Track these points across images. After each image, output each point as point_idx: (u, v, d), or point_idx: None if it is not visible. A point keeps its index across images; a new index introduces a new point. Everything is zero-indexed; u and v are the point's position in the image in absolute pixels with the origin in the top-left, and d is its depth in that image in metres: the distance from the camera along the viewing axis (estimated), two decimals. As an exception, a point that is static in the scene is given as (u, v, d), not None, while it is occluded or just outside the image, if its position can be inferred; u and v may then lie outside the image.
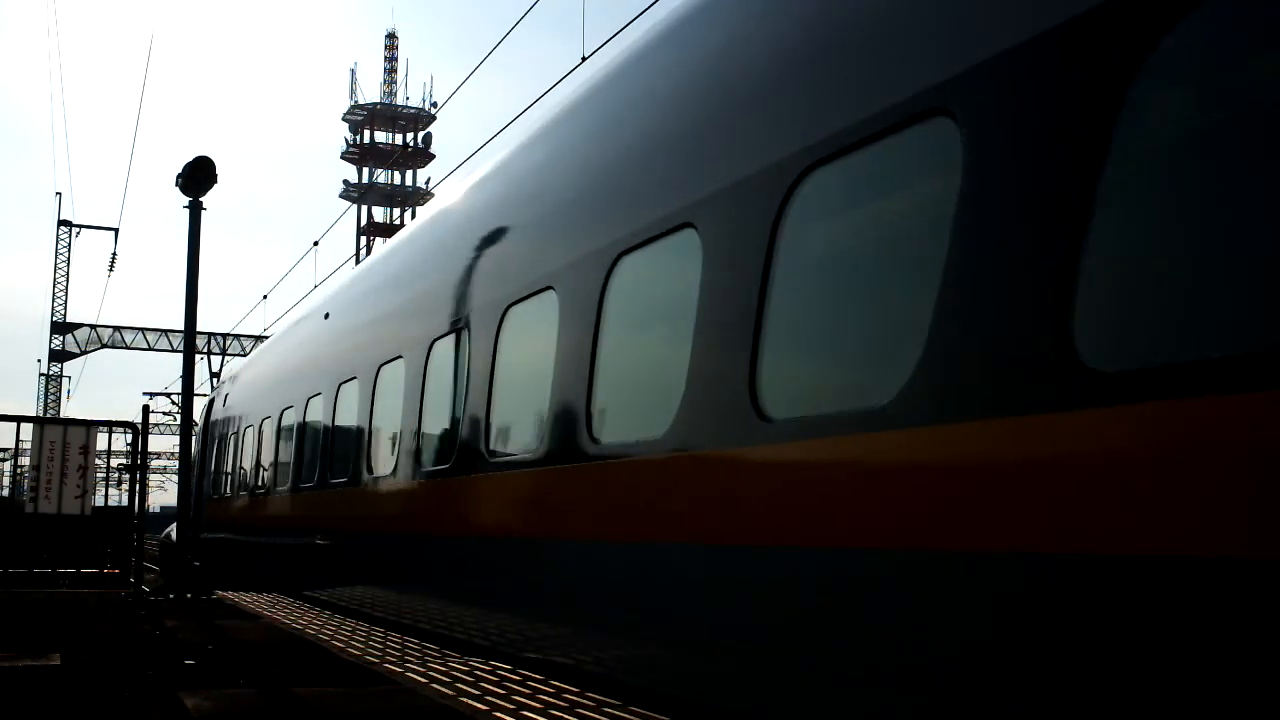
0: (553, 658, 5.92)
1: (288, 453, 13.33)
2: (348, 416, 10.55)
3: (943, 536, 3.48)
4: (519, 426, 6.98)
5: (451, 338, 8.05)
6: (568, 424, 5.90)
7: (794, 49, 4.63)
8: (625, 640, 5.48)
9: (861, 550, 3.84)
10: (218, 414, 19.59)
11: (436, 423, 8.32)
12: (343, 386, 10.83)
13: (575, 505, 5.89)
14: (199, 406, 19.46)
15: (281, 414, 13.76)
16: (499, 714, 4.62)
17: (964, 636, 3.43)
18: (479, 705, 4.83)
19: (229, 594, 11.62)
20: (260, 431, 15.20)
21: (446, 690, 5.24)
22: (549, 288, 6.35)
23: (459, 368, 7.89)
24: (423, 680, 5.56)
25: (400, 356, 9.10)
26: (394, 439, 9.12)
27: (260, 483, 15.05)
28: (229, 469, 17.62)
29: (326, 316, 12.94)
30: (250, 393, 16.84)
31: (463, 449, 7.49)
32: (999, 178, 3.41)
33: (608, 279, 5.61)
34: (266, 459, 14.72)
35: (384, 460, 9.42)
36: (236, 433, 17.13)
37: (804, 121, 4.30)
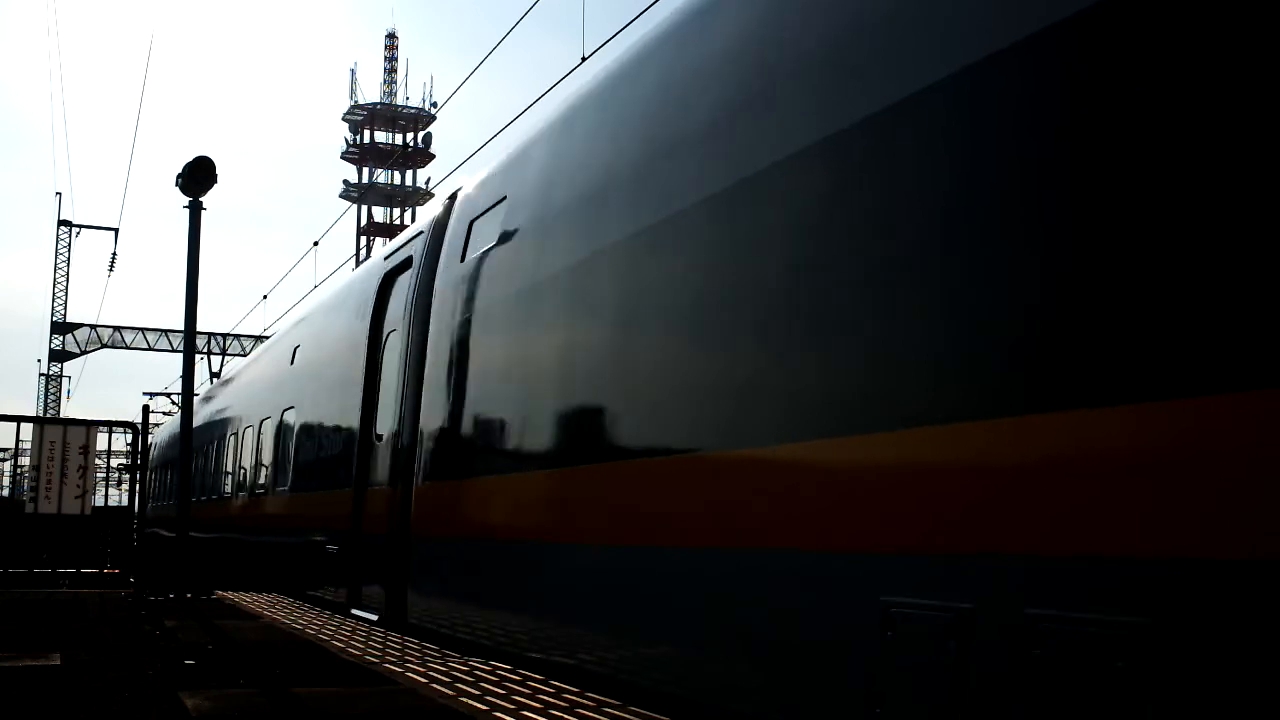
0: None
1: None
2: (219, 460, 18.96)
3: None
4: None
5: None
6: (280, 473, 12.97)
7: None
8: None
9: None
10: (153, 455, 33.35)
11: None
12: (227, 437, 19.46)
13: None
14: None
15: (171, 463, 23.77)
16: (499, 714, 4.63)
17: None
18: (479, 705, 4.83)
19: (229, 594, 11.63)
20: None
21: (446, 690, 5.24)
22: (268, 417, 14.15)
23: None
24: (423, 680, 5.57)
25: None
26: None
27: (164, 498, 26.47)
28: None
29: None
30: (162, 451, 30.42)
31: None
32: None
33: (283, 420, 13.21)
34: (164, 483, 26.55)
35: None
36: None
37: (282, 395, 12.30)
